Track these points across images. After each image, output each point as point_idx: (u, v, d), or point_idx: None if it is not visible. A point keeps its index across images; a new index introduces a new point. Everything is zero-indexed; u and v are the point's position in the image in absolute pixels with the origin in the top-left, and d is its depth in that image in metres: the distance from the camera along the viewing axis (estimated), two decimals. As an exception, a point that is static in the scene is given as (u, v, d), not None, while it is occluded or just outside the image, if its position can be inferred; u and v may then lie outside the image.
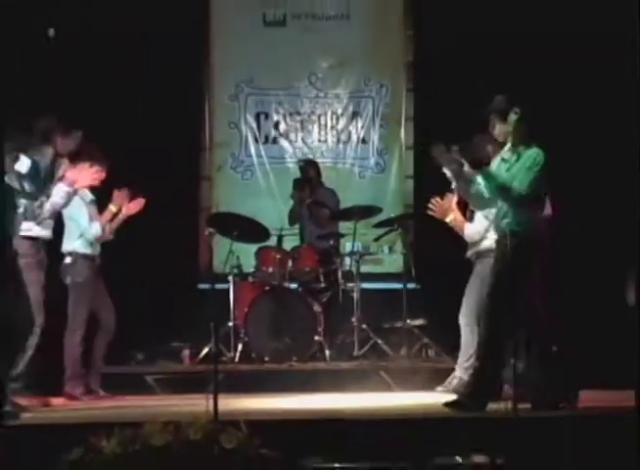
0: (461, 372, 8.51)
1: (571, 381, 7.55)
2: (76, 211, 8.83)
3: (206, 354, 9.65)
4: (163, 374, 9.70)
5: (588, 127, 10.39)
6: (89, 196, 8.95)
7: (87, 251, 8.87)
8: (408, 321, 10.16)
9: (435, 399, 8.76)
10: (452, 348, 9.97)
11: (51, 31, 10.37)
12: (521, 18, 10.52)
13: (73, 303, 8.78)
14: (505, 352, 7.43)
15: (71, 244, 8.83)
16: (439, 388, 8.76)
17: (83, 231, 8.79)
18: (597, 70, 10.38)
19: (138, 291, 10.14)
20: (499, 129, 7.75)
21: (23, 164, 8.36)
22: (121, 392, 9.13)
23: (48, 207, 8.35)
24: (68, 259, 8.82)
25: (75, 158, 8.80)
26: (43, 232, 8.47)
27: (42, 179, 8.06)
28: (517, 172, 7.49)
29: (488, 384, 7.42)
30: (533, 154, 7.54)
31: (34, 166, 8.23)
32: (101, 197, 9.02)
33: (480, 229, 8.38)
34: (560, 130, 9.40)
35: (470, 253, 8.51)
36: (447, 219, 8.48)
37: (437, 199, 8.37)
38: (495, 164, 7.83)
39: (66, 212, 8.78)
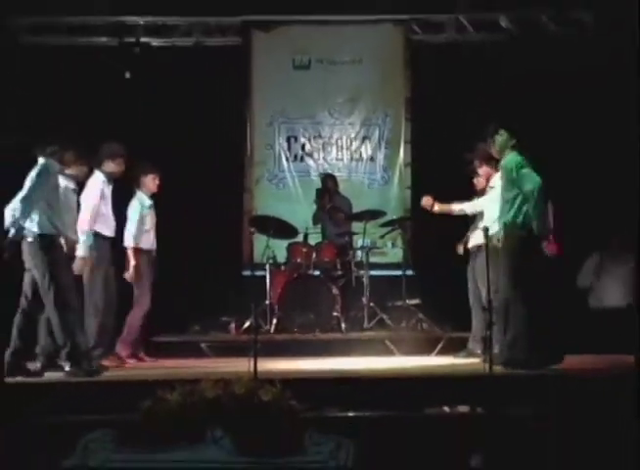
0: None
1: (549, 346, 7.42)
2: (132, 216, 8.82)
3: (248, 327, 9.62)
4: (214, 342, 9.72)
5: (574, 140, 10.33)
6: (147, 202, 8.92)
7: (143, 246, 8.85)
8: (406, 301, 10.13)
9: (428, 361, 8.79)
10: (441, 322, 10.00)
11: (127, 74, 10.40)
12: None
13: (136, 287, 8.79)
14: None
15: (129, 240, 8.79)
16: (461, 353, 8.59)
17: (131, 232, 8.78)
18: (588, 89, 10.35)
19: (195, 277, 10.16)
20: (493, 149, 7.76)
21: (98, 179, 8.41)
22: (180, 356, 9.19)
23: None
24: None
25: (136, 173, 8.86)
26: (108, 231, 8.51)
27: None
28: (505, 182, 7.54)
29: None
30: (504, 164, 7.56)
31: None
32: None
33: (478, 208, 8.43)
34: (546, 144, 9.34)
35: (471, 245, 8.47)
36: (435, 209, 8.64)
37: (423, 198, 8.67)
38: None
39: (128, 215, 8.80)
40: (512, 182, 7.45)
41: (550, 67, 10.22)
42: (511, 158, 7.54)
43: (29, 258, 7.42)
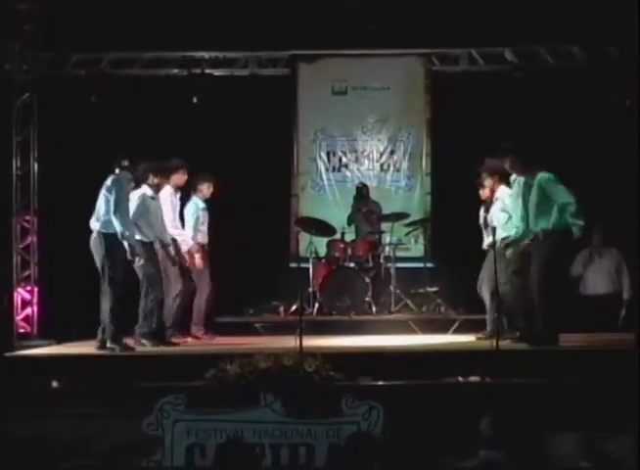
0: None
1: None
2: (189, 216, 8.83)
3: (295, 310, 9.62)
4: (266, 322, 9.77)
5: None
6: (201, 204, 8.91)
7: (199, 241, 8.81)
8: (427, 288, 10.11)
9: (445, 339, 8.76)
10: (456, 306, 9.95)
11: (194, 99, 10.44)
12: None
13: (197, 276, 8.75)
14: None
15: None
16: (480, 334, 8.25)
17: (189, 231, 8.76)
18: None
19: (250, 268, 10.19)
20: (512, 165, 7.57)
21: (167, 192, 8.45)
22: (238, 334, 9.20)
23: None
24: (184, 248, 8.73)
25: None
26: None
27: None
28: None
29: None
30: (538, 180, 7.30)
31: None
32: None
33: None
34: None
35: (500, 243, 7.86)
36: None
37: None
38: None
39: (185, 216, 8.79)
40: (545, 195, 7.27)
41: (547, 93, 10.15)
42: (542, 175, 7.33)
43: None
